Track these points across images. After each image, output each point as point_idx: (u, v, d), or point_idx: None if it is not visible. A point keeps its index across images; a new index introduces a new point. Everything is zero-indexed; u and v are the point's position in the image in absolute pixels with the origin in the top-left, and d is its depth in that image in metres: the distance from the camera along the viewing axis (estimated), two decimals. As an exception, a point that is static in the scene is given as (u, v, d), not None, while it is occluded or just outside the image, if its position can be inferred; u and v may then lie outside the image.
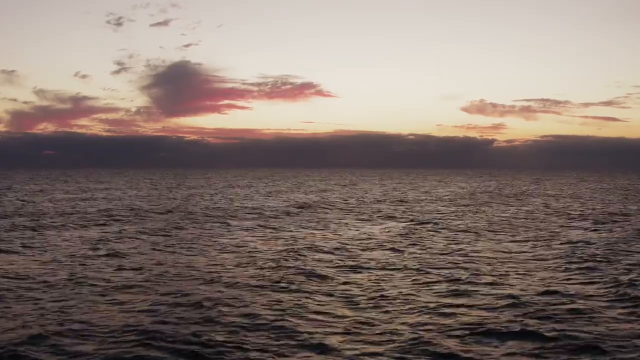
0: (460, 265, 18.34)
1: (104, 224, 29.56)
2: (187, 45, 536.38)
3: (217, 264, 18.38)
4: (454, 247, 22.47)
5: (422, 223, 31.14)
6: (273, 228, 28.65)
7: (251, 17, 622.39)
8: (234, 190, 69.29)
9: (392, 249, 21.70)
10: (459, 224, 30.72)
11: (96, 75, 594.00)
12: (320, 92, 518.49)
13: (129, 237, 24.38)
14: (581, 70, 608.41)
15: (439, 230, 27.81)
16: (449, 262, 18.85)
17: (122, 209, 38.50)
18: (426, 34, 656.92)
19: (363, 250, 21.60)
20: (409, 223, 31.23)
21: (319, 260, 19.14)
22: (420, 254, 20.74)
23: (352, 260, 19.14)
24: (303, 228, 28.80)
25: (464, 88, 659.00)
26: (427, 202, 49.38)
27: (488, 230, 28.01)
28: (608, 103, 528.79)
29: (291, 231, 27.46)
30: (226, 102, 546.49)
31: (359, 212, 37.94)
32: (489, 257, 19.88)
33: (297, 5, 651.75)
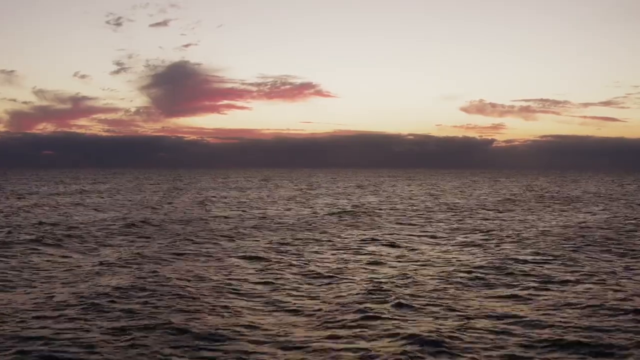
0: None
1: (91, 243, 23.10)
2: (186, 46, 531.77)
3: (266, 320, 12.03)
4: (576, 284, 16.11)
5: (499, 237, 24.81)
6: (322, 246, 22.29)
7: (251, 17, 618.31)
8: (246, 194, 62.92)
9: (511, 287, 15.19)
10: (537, 239, 24.31)
11: (95, 75, 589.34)
12: (319, 92, 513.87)
13: (121, 268, 17.91)
14: (580, 70, 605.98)
15: (531, 252, 21.42)
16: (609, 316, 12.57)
17: (117, 221, 32.14)
18: (426, 34, 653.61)
19: (470, 284, 15.20)
20: (484, 238, 24.72)
21: (422, 312, 12.77)
22: (552, 295, 14.41)
23: (470, 309, 12.68)
24: (365, 248, 22.13)
25: (463, 88, 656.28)
26: (475, 208, 42.94)
27: (581, 249, 21.65)
28: (607, 103, 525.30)
29: (351, 252, 20.84)
30: (225, 102, 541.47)
31: (413, 223, 31.38)
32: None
33: (297, 5, 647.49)
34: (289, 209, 40.02)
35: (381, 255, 20.11)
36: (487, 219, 33.44)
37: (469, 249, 21.67)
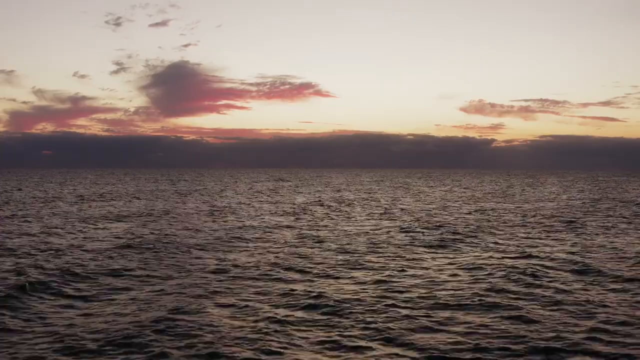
0: None
1: (55, 284, 14.98)
2: (185, 46, 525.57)
3: None
4: None
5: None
6: (437, 298, 13.71)
7: (250, 17, 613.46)
8: (266, 198, 54.89)
9: None
10: None
11: (95, 75, 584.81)
12: (318, 92, 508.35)
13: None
14: (580, 70, 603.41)
15: None
16: None
17: (108, 239, 24.29)
18: (425, 34, 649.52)
19: None
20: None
21: None
22: None
23: None
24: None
25: (462, 88, 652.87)
26: (566, 218, 34.92)
27: None
28: (606, 103, 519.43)
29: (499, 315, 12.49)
30: (225, 102, 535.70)
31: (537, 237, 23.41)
32: None
33: (296, 5, 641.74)
34: (334, 222, 32.13)
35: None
36: (604, 235, 25.55)
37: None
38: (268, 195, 58.31)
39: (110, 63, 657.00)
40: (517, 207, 42.72)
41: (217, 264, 17.49)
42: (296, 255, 19.26)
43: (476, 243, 22.52)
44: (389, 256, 19.25)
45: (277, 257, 18.92)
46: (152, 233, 25.19)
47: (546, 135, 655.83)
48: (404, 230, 26.96)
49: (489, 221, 31.49)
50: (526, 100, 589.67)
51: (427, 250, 20.66)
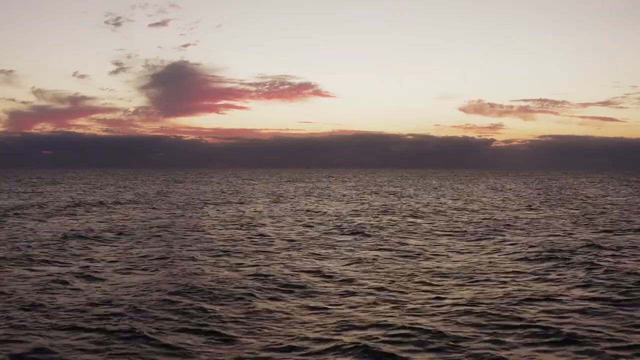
0: None
1: None
2: (185, 46, 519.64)
3: None
4: None
5: None
6: None
7: (250, 17, 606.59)
8: (299, 205, 46.62)
9: None
10: None
11: (94, 75, 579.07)
12: (318, 92, 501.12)
13: None
14: (579, 70, 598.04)
15: None
16: None
17: (101, 272, 16.21)
18: (425, 34, 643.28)
19: None
20: None
21: None
22: None
23: None
24: None
25: (462, 88, 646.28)
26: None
27: None
28: (606, 103, 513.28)
29: None
30: (224, 102, 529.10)
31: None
32: None
33: (296, 5, 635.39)
34: (414, 245, 24.16)
35: None
36: None
37: None
38: (292, 201, 50.31)
39: (109, 63, 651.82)
40: (584, 215, 34.67)
41: (271, 337, 9.36)
42: (406, 321, 11.17)
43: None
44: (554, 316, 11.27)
45: (377, 327, 10.74)
46: (161, 262, 17.21)
47: (546, 135, 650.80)
48: (528, 260, 18.58)
49: (607, 239, 23.25)
50: (525, 100, 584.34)
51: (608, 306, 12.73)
